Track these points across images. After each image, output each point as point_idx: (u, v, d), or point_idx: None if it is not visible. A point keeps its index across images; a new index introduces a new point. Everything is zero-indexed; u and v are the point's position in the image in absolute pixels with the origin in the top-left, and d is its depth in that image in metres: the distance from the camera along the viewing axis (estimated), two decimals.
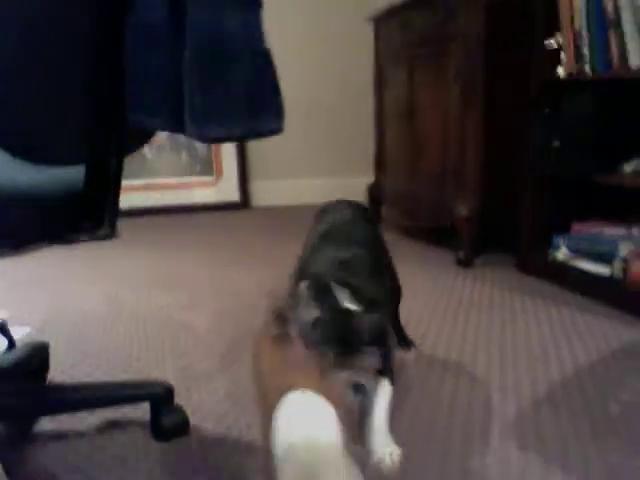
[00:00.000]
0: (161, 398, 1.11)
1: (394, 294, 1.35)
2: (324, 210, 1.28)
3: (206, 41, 0.83)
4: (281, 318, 0.88)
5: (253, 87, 0.92)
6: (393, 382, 0.96)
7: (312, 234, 1.19)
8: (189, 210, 3.55)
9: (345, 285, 0.94)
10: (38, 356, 1.31)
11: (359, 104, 3.47)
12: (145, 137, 1.05)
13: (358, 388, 0.91)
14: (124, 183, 0.99)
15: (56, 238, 0.98)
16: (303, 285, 0.91)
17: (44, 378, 1.31)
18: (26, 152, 0.80)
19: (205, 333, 1.62)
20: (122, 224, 1.02)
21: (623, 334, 1.53)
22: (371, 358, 0.87)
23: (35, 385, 1.23)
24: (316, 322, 0.87)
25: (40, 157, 0.83)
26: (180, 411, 1.13)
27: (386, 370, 0.94)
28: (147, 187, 3.50)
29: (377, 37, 2.97)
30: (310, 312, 0.88)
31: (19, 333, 1.61)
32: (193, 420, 1.14)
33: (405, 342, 1.43)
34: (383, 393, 0.94)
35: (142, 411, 1.17)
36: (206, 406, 1.21)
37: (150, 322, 1.72)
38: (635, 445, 1.03)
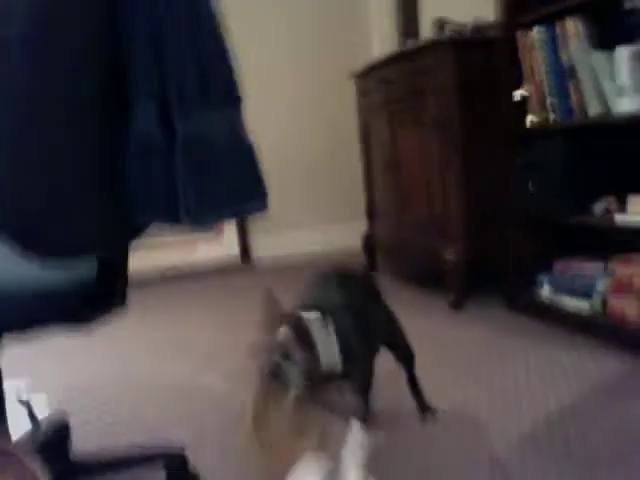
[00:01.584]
0: (176, 464, 1.19)
1: (406, 358, 1.39)
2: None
3: (194, 141, 0.95)
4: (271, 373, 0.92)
5: (238, 178, 1.04)
6: (365, 419, 0.99)
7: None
8: (191, 267, 3.64)
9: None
10: (61, 431, 1.39)
11: (353, 153, 3.56)
12: (144, 227, 1.16)
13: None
14: None
15: (68, 323, 1.07)
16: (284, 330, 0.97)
17: (67, 451, 1.39)
18: (39, 246, 0.85)
19: (220, 396, 1.71)
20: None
21: (605, 367, 1.62)
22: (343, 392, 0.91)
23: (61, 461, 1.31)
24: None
25: (52, 251, 0.87)
26: (196, 476, 1.21)
27: (357, 408, 0.97)
28: (148, 246, 3.59)
29: (359, 92, 3.13)
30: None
31: (37, 401, 1.70)
32: None
33: (423, 408, 1.43)
34: (354, 440, 0.96)
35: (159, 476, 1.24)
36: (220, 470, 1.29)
37: (165, 388, 1.81)
38: None
